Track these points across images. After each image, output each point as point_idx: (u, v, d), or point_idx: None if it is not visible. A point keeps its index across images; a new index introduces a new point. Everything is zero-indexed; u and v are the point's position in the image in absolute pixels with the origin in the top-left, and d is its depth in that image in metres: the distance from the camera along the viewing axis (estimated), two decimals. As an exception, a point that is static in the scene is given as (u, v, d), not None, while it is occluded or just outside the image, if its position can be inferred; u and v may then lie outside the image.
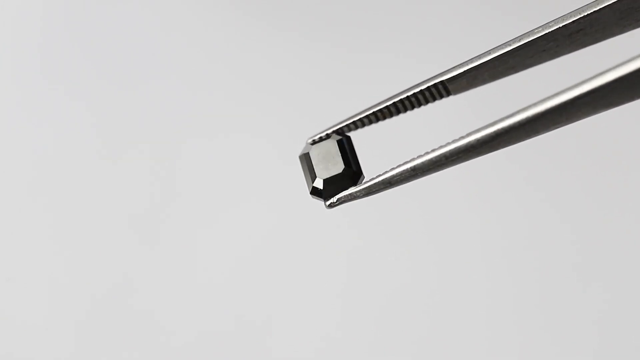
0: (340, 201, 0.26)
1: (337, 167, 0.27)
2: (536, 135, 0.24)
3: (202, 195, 0.65)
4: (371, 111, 0.29)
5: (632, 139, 0.65)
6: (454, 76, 0.29)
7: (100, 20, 0.68)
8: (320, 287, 0.64)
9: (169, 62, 0.68)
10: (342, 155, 0.27)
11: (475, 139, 0.24)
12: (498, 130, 0.23)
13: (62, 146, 0.66)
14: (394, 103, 0.29)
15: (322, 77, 0.67)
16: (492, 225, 0.64)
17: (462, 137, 0.24)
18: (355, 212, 0.65)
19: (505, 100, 0.63)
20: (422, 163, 0.25)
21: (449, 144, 0.24)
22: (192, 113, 0.67)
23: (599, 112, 0.24)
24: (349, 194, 0.26)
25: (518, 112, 0.24)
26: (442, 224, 0.65)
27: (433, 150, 0.24)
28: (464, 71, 0.29)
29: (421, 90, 0.29)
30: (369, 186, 0.26)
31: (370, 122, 0.30)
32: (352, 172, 0.26)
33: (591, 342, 0.62)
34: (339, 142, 0.27)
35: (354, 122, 0.29)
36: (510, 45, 0.29)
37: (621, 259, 0.63)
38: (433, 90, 0.29)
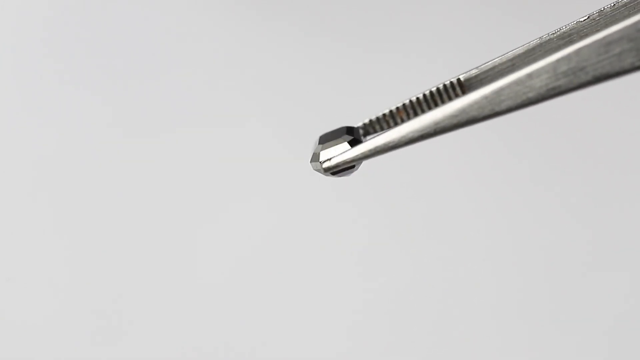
0: (337, 164, 0.26)
1: (339, 137, 0.27)
2: (532, 98, 0.24)
3: (202, 195, 0.65)
4: (387, 111, 0.29)
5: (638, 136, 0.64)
6: (469, 78, 0.29)
7: (103, 17, 0.68)
8: (321, 286, 0.64)
9: (172, 59, 0.68)
10: (346, 132, 0.27)
11: (470, 100, 0.24)
12: (494, 89, 0.23)
13: (61, 146, 0.66)
14: (411, 106, 0.30)
15: (325, 74, 0.67)
16: (499, 224, 0.64)
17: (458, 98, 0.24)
18: (359, 211, 0.64)
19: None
20: (418, 122, 0.24)
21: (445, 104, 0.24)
22: (192, 111, 0.67)
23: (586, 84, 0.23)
24: (345, 155, 0.26)
25: (513, 71, 0.24)
26: (448, 223, 0.65)
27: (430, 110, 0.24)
28: (481, 72, 0.29)
29: (438, 90, 0.29)
30: (364, 145, 0.26)
31: (389, 126, 0.30)
32: (353, 140, 0.27)
33: (601, 341, 0.62)
34: (347, 128, 0.28)
35: (365, 128, 0.29)
36: (520, 48, 0.29)
37: (629, 256, 0.63)
38: (451, 91, 0.29)
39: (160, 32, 0.68)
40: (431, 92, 0.29)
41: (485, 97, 0.24)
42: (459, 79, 0.29)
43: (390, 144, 0.25)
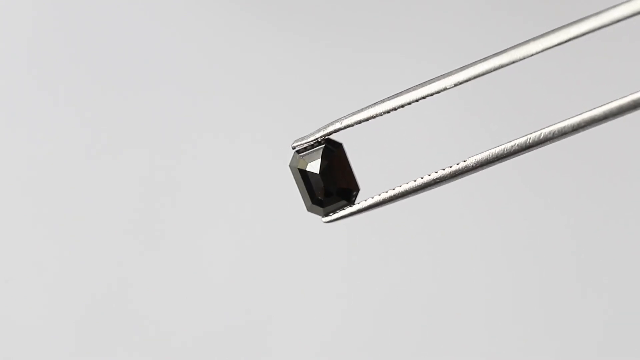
0: (336, 219, 0.28)
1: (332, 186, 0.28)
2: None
3: (201, 198, 0.65)
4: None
5: (631, 142, 0.63)
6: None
7: (98, 21, 0.67)
8: (318, 289, 0.64)
9: (168, 63, 0.66)
10: (335, 170, 0.28)
11: (474, 161, 0.25)
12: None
13: (60, 147, 0.66)
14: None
15: (323, 79, 0.66)
16: (492, 231, 0.63)
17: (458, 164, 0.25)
18: (352, 218, 0.63)
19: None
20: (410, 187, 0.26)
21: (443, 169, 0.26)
22: (192, 115, 0.66)
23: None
24: (345, 211, 0.28)
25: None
26: (441, 229, 0.64)
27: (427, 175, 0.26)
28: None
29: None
30: (363, 207, 0.28)
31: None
32: (347, 192, 0.28)
33: (591, 344, 0.62)
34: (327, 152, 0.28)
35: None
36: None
37: (621, 261, 0.62)
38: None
39: (154, 37, 0.67)
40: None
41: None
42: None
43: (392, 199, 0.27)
